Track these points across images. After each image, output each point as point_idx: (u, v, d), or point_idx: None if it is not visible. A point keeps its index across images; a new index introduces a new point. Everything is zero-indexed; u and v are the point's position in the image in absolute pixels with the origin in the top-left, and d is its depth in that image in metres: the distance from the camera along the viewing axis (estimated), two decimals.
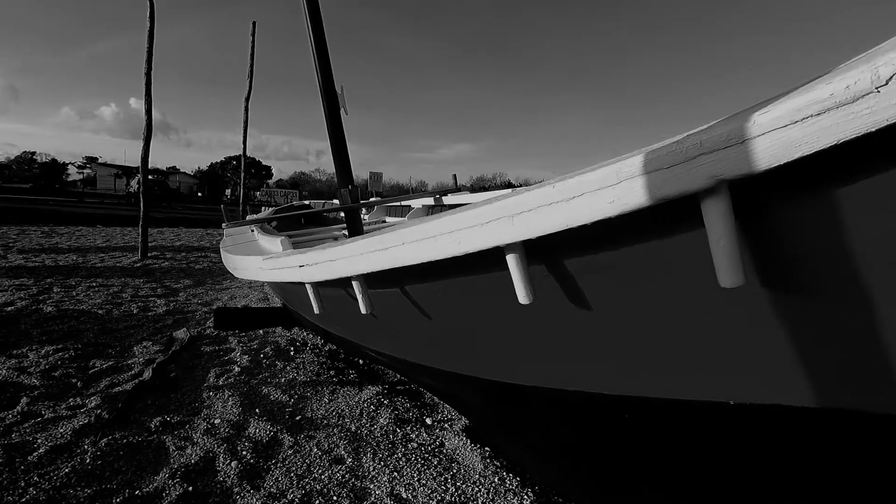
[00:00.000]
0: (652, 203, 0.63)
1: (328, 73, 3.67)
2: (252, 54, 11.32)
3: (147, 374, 2.84)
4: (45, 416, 2.32)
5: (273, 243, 2.06)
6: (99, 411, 2.38)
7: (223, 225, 4.23)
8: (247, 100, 11.30)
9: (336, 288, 1.46)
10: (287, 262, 1.49)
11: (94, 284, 5.59)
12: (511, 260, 0.83)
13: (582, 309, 0.90)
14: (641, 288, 0.81)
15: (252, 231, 3.96)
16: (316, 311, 1.51)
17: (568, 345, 0.98)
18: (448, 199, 4.72)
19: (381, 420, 2.42)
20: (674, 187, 0.61)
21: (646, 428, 1.00)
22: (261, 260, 1.78)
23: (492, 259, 0.86)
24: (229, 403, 2.55)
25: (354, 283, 1.23)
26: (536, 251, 0.82)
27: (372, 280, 1.22)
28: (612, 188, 0.66)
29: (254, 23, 11.40)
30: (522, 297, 0.84)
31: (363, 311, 1.24)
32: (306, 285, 1.47)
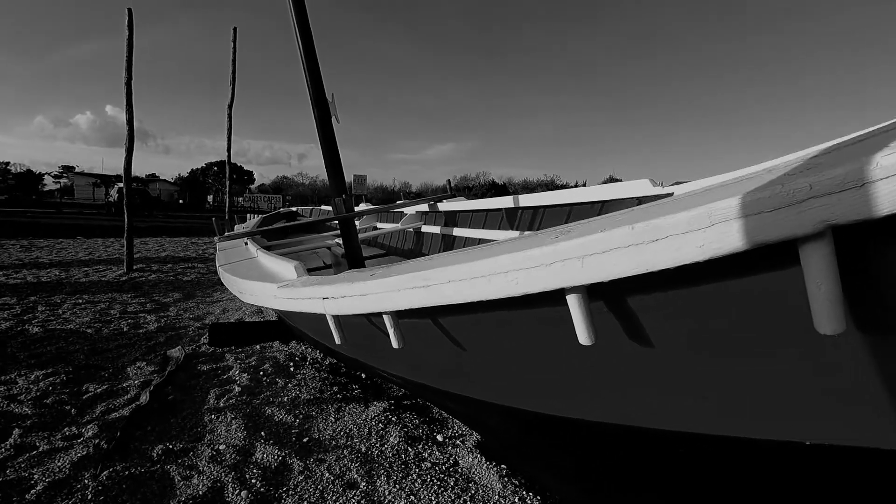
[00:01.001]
0: (748, 248, 0.59)
1: (318, 81, 3.60)
2: (234, 60, 11.14)
3: (144, 398, 2.75)
4: (41, 449, 2.22)
5: (283, 267, 1.97)
6: (97, 441, 2.29)
7: (216, 239, 4.12)
8: (230, 106, 11.10)
9: (359, 317, 1.41)
10: (308, 292, 1.42)
11: (81, 301, 5.43)
12: (573, 300, 0.79)
13: (645, 347, 0.86)
14: (717, 328, 0.77)
15: (246, 245, 3.87)
16: (337, 341, 1.45)
17: (626, 382, 0.94)
18: (444, 206, 4.66)
19: (391, 439, 2.36)
20: (775, 232, 0.57)
21: (699, 460, 0.97)
22: (275, 288, 1.70)
23: (546, 296, 0.81)
24: (233, 427, 2.47)
25: (386, 318, 1.17)
26: (596, 288, 0.78)
27: (404, 313, 1.17)
28: (702, 231, 0.62)
29: (235, 28, 11.23)
30: (584, 338, 0.80)
31: (395, 345, 1.18)
32: (328, 316, 1.41)
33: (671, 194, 2.07)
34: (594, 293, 0.81)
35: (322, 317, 1.43)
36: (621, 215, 0.79)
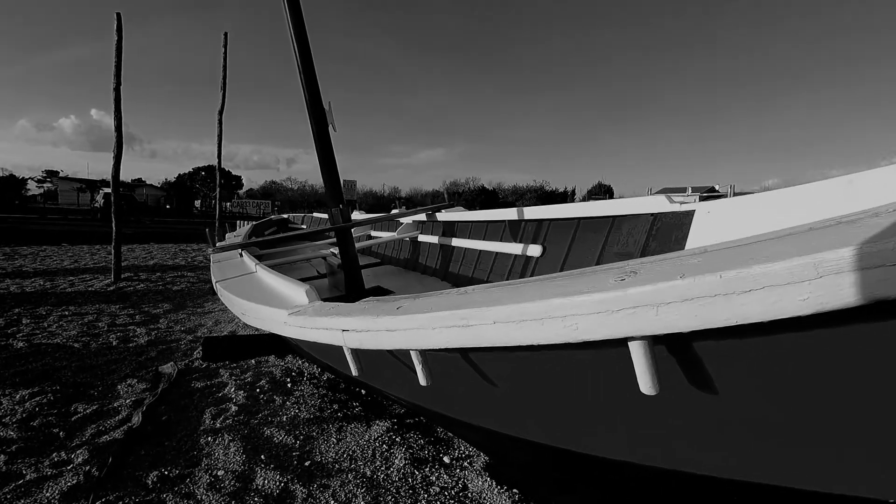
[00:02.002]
0: (863, 303, 0.54)
1: (315, 89, 3.53)
2: (224, 66, 11.00)
3: (136, 420, 2.64)
4: (28, 478, 2.11)
5: (292, 289, 1.87)
6: (88, 468, 2.18)
7: (210, 250, 4.01)
8: (220, 112, 10.96)
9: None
10: (324, 322, 1.34)
11: (67, 313, 5.27)
12: (638, 348, 0.73)
13: (711, 396, 0.80)
14: (800, 380, 0.71)
15: (241, 256, 3.77)
16: (354, 373, 1.37)
17: (686, 431, 0.88)
18: (442, 216, 4.59)
19: (397, 461, 2.28)
20: None
21: None
22: (286, 314, 1.61)
23: (605, 341, 0.75)
24: (231, 450, 2.37)
25: (413, 354, 1.10)
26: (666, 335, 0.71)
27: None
28: (807, 283, 0.56)
29: (225, 34, 11.09)
30: (647, 387, 0.74)
31: (423, 383, 1.11)
32: (345, 349, 1.33)
33: (692, 212, 2.02)
34: (659, 338, 0.75)
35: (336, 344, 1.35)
36: (689, 258, 0.72)
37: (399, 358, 1.37)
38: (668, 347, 0.80)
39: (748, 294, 0.59)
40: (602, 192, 62.63)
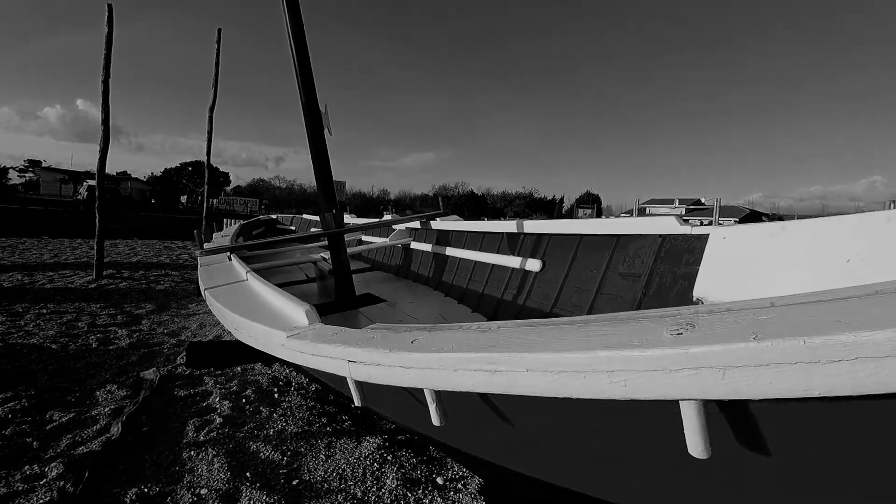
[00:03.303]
0: None
1: (312, 93, 3.46)
2: (217, 62, 10.85)
3: (116, 431, 2.52)
4: None
5: (289, 307, 1.77)
6: (62, 483, 2.07)
7: (197, 252, 3.90)
8: (211, 109, 10.79)
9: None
10: (328, 350, 1.26)
11: (45, 311, 5.10)
12: (689, 408, 0.66)
13: (767, 460, 0.74)
14: (883, 452, 0.65)
15: (230, 260, 3.66)
16: (358, 403, 1.30)
17: (732, 490, 0.82)
18: (437, 224, 4.52)
19: (389, 481, 2.20)
20: None
21: None
22: (283, 336, 1.52)
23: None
24: (215, 466, 2.27)
25: (428, 393, 1.03)
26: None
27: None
28: None
29: (219, 30, 10.93)
30: (698, 450, 0.68)
31: (436, 423, 1.04)
32: (349, 380, 1.25)
33: (706, 236, 1.96)
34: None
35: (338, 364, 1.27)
36: (756, 313, 0.65)
37: (409, 392, 1.29)
38: (719, 405, 0.73)
39: (836, 364, 0.53)
40: (590, 201, 63.04)
